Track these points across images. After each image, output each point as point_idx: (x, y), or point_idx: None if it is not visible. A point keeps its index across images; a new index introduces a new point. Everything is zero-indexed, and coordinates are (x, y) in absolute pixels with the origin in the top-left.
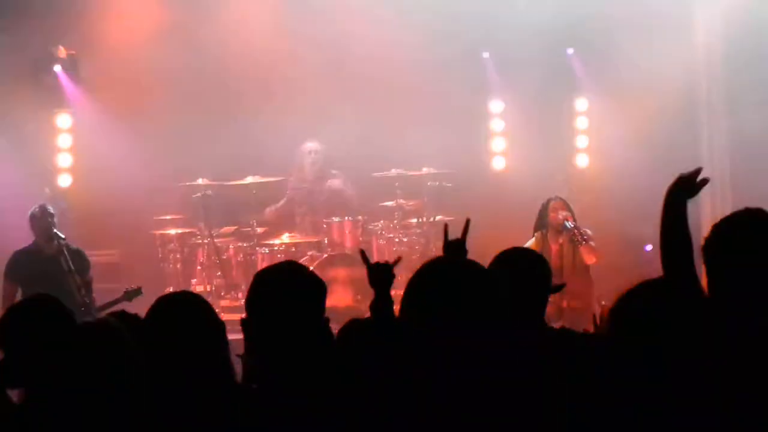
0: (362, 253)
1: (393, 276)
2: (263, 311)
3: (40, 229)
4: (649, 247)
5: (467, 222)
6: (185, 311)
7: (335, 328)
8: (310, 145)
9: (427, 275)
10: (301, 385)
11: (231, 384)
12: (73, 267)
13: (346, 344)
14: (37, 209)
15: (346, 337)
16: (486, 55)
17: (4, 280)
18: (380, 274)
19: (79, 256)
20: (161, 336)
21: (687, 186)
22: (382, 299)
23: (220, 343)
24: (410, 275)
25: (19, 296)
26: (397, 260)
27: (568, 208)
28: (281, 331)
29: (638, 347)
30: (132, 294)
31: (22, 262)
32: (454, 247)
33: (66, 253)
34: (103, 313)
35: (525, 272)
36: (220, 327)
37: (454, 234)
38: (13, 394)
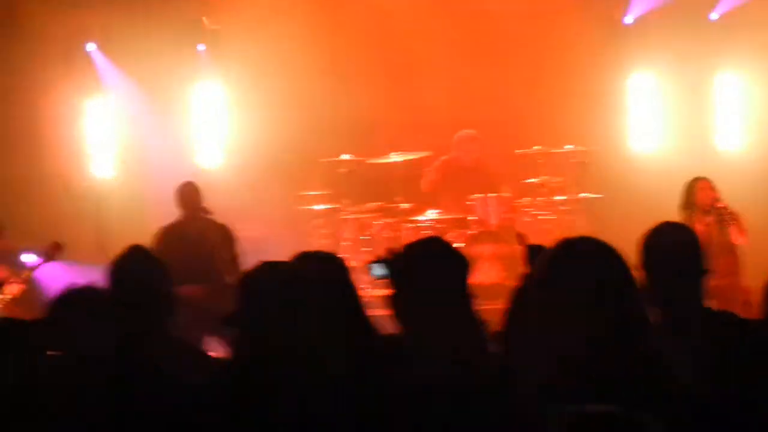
0: (519, 236)
1: None
2: (408, 286)
3: (186, 205)
4: None
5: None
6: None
7: (480, 304)
8: (467, 133)
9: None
10: (445, 358)
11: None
12: (219, 242)
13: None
14: (183, 185)
15: None
16: (629, 24)
17: None
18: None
19: (224, 232)
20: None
21: None
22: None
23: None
24: None
25: None
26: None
27: (714, 188)
28: (426, 306)
29: None
30: None
31: (169, 238)
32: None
33: (212, 228)
34: None
35: (686, 247)
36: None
37: None
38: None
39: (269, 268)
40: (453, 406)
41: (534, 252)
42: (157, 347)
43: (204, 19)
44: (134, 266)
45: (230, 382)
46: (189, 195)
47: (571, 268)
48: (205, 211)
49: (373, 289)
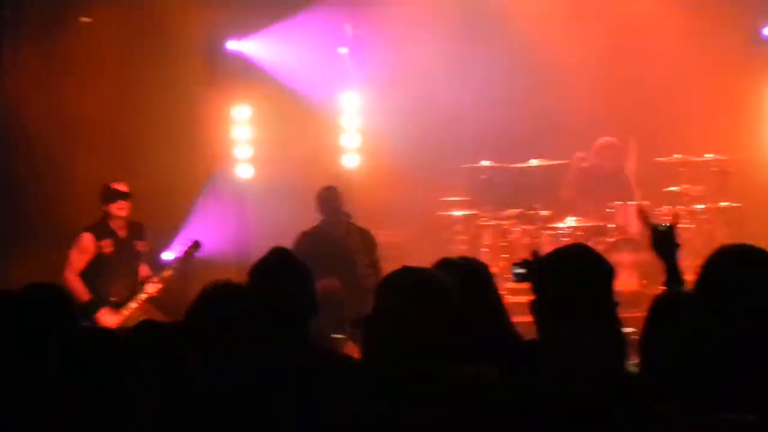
0: (640, 211)
1: (677, 243)
2: (551, 293)
3: (327, 209)
4: None
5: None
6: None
7: (620, 312)
8: (607, 141)
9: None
10: (583, 366)
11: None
12: (359, 247)
13: None
14: (324, 189)
15: None
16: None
17: None
18: (662, 238)
19: (365, 236)
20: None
21: None
22: (671, 272)
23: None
24: (696, 261)
25: None
26: (677, 221)
27: None
28: (569, 314)
29: None
30: None
31: (309, 242)
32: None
33: (352, 233)
34: None
35: None
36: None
37: None
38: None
39: (409, 273)
40: (588, 416)
41: (659, 234)
42: (297, 350)
43: (347, 26)
44: (278, 269)
45: (361, 385)
46: (330, 199)
47: (724, 274)
48: (346, 215)
49: (514, 296)
